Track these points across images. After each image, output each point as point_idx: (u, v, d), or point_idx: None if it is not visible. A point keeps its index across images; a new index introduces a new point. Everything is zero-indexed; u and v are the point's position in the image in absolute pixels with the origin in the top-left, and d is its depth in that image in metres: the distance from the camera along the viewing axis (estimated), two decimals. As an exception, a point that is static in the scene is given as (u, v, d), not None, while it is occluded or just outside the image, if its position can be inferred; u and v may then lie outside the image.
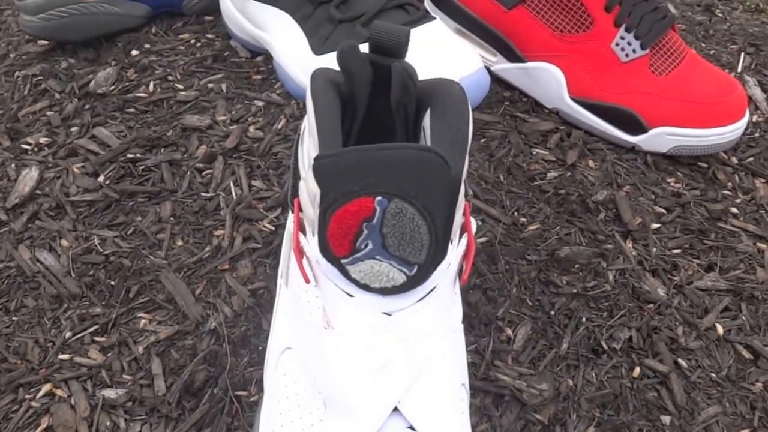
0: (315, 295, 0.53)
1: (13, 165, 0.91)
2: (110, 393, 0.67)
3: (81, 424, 0.66)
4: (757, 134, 1.04)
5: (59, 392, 0.68)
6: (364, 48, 0.59)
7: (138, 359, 0.71)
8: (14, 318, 0.75)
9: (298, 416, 0.52)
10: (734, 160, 0.99)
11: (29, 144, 0.94)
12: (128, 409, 0.67)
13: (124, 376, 0.69)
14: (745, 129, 0.96)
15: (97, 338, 0.73)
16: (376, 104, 0.61)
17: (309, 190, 0.50)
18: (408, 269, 0.49)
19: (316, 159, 0.48)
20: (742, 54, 1.23)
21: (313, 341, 0.53)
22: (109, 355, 0.71)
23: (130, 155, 0.90)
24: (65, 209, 0.84)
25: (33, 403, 0.67)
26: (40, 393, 0.68)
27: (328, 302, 0.52)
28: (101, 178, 0.88)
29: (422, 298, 0.51)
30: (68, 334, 0.73)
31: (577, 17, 0.95)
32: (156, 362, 0.70)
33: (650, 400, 0.70)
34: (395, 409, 0.50)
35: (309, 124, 0.56)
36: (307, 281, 0.53)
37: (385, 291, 0.50)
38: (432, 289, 0.52)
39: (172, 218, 0.83)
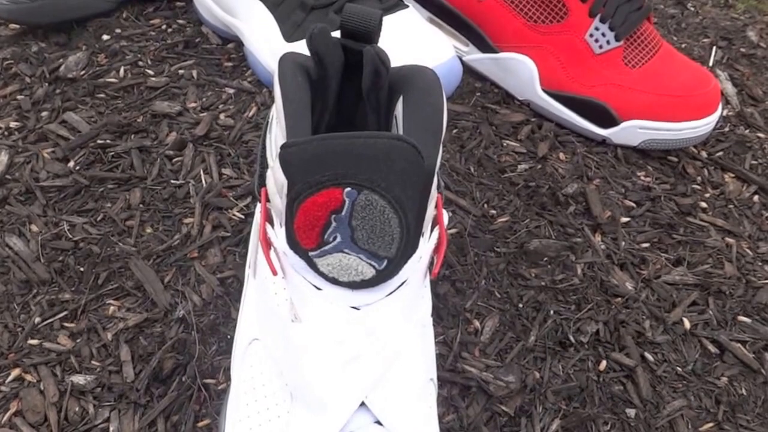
0: (282, 287, 0.53)
1: (-18, 149, 0.91)
2: (79, 379, 0.67)
3: (50, 409, 0.66)
4: (726, 129, 1.05)
5: (28, 377, 0.68)
6: (337, 35, 0.58)
7: (107, 346, 0.71)
8: (-17, 303, 0.75)
9: (265, 407, 0.52)
10: (704, 154, 1.00)
11: (-1, 128, 0.94)
12: (97, 395, 0.67)
13: (93, 362, 0.69)
14: (716, 123, 0.96)
15: (66, 324, 0.72)
16: (347, 91, 0.61)
17: (276, 179, 0.49)
18: (377, 263, 0.48)
19: (282, 147, 0.46)
20: (714, 48, 1.23)
21: (280, 333, 0.53)
22: (78, 341, 0.71)
23: (100, 141, 0.90)
24: (35, 194, 0.84)
25: (2, 388, 0.67)
26: (9, 377, 0.68)
27: (296, 295, 0.51)
28: (71, 164, 0.87)
29: (392, 293, 0.51)
30: (37, 320, 0.72)
31: (552, 7, 0.95)
32: (125, 349, 0.70)
33: (616, 394, 0.71)
34: (362, 404, 0.50)
35: (276, 110, 0.55)
36: (275, 273, 0.52)
37: (353, 285, 0.49)
38: (402, 283, 0.51)
39: (141, 205, 0.83)
